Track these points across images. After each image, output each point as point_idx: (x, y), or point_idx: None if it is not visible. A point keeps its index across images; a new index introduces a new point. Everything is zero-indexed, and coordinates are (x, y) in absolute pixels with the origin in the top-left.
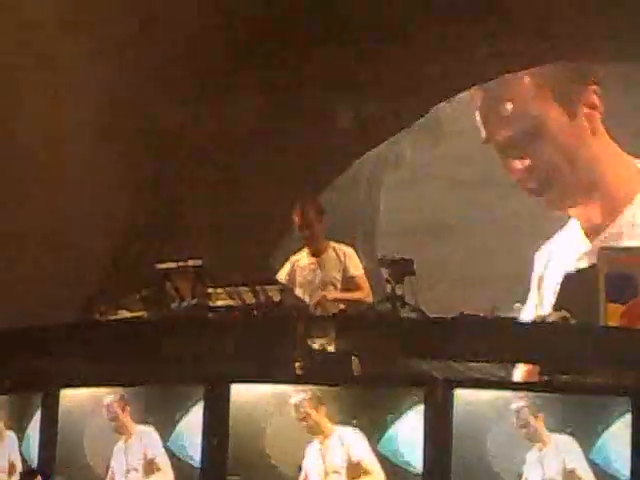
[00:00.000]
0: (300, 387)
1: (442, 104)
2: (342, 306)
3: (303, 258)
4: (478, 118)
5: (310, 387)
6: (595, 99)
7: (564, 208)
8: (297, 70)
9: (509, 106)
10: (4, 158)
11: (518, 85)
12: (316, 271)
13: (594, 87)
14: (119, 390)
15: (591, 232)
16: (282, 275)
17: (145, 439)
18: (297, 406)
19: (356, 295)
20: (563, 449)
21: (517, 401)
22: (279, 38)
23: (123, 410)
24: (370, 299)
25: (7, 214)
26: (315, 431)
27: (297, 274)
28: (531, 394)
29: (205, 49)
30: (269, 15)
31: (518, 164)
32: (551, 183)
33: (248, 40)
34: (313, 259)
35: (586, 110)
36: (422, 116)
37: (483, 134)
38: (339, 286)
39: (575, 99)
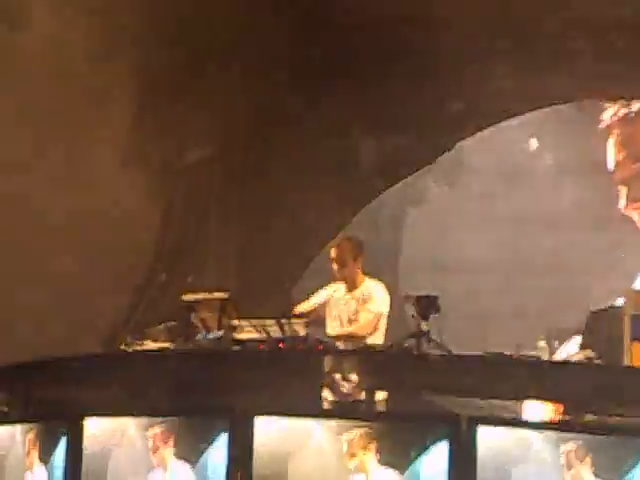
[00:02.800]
0: (343, 423)
1: (465, 141)
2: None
3: (339, 290)
4: (610, 149)
5: (360, 424)
6: None
7: None
8: (319, 104)
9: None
10: (23, 183)
11: None
12: (345, 301)
13: None
14: (156, 421)
15: None
16: (318, 301)
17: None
18: (349, 442)
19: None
20: None
21: (548, 440)
22: (300, 72)
23: (165, 443)
24: (364, 332)
25: (31, 245)
26: (359, 469)
27: (332, 306)
28: (554, 433)
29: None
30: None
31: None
32: None
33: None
34: (347, 293)
35: None
36: (445, 152)
37: (611, 166)
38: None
39: None
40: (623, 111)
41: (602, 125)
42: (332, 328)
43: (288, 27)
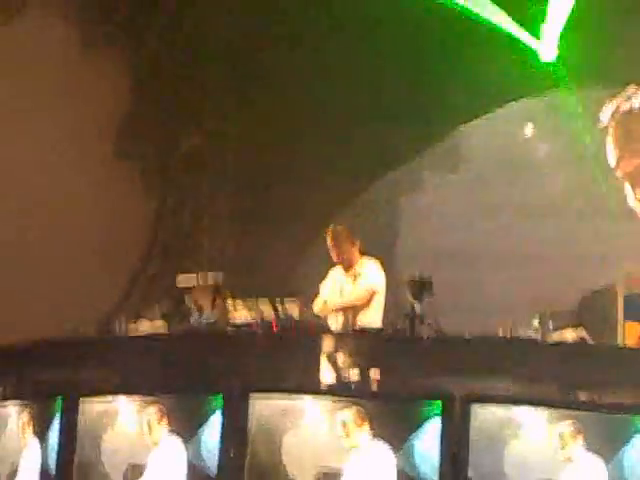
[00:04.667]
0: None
1: (461, 128)
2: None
3: (338, 270)
4: (610, 146)
5: (354, 401)
6: None
7: None
8: (317, 98)
9: None
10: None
11: None
12: (342, 282)
13: None
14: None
15: None
16: (324, 286)
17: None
18: (343, 420)
19: (362, 295)
20: (587, 466)
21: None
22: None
23: (160, 422)
24: (359, 302)
25: (33, 235)
26: (353, 446)
27: (329, 284)
28: (549, 410)
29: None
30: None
31: None
32: None
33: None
34: (342, 273)
35: None
36: (441, 140)
37: (612, 162)
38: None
39: None
40: (624, 107)
41: (601, 122)
42: (334, 307)
43: None
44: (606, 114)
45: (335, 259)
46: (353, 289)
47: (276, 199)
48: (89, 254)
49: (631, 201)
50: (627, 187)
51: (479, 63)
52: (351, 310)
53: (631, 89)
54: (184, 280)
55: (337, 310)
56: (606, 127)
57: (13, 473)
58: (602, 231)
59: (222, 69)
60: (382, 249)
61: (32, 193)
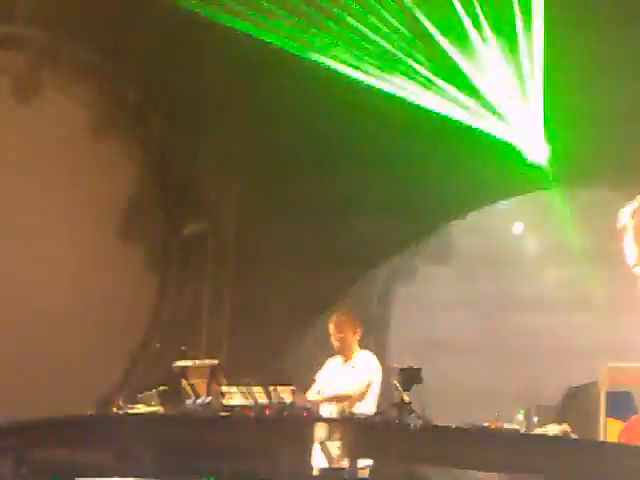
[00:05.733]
0: None
1: (453, 224)
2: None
3: (335, 362)
4: (631, 245)
5: None
6: None
7: None
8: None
9: None
10: (39, 263)
11: None
12: (340, 371)
13: None
14: None
15: None
16: (319, 376)
17: None
18: None
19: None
20: None
21: None
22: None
23: None
24: (355, 394)
25: (35, 314)
26: None
27: (325, 377)
28: None
29: None
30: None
31: None
32: None
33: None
34: (342, 364)
35: None
36: (435, 232)
37: (632, 260)
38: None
39: None
40: None
41: (620, 223)
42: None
43: None
44: (626, 213)
45: (336, 346)
46: (351, 379)
47: (273, 287)
48: (90, 334)
49: None
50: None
51: (472, 164)
52: (347, 400)
53: None
54: (181, 364)
55: (333, 399)
56: (625, 226)
57: None
58: (589, 325)
59: (223, 161)
60: (375, 337)
61: (37, 270)
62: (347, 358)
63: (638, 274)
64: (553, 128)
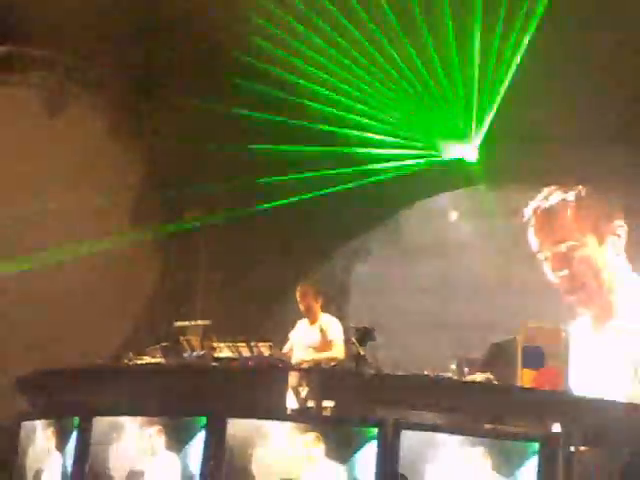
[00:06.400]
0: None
1: (404, 210)
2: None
3: (304, 323)
4: (532, 235)
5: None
6: (620, 230)
7: (587, 306)
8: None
9: (558, 231)
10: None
11: (565, 218)
12: (308, 332)
13: (619, 222)
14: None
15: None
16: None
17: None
18: (303, 441)
19: (329, 354)
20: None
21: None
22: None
23: (158, 437)
24: (342, 357)
25: (65, 287)
26: (310, 462)
27: (296, 335)
28: (462, 438)
29: None
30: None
31: (559, 273)
32: (582, 288)
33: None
34: (309, 325)
35: (613, 238)
36: (387, 218)
37: (535, 247)
38: (318, 347)
39: (604, 231)
40: (543, 205)
41: (525, 217)
42: (303, 354)
43: None
44: (528, 210)
45: (302, 310)
46: (320, 340)
47: (256, 264)
48: (107, 302)
49: (551, 277)
50: (546, 267)
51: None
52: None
53: (549, 190)
54: (180, 324)
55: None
56: (529, 220)
57: (38, 477)
58: (512, 301)
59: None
60: (337, 304)
61: (65, 251)
62: (313, 320)
63: (541, 258)
64: (483, 141)
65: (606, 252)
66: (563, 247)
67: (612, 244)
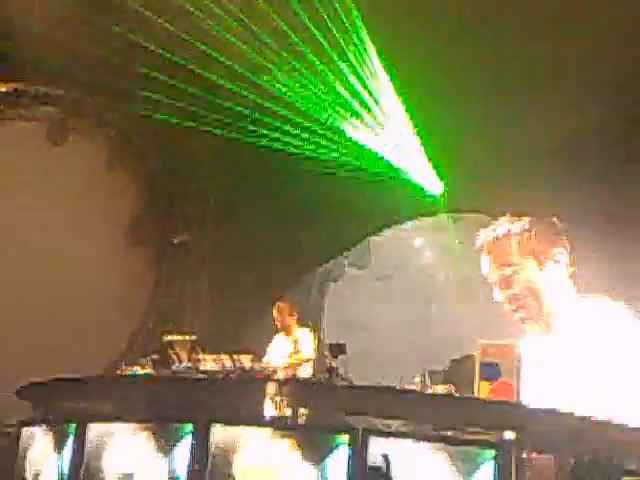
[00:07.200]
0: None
1: (371, 238)
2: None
3: (280, 335)
4: (483, 261)
5: (287, 433)
6: (559, 257)
7: (529, 323)
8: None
9: (504, 257)
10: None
11: (510, 246)
12: (284, 344)
13: (560, 250)
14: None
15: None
16: (272, 346)
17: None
18: (280, 446)
19: (297, 357)
20: None
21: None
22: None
23: (148, 442)
24: (309, 357)
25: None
26: (285, 466)
27: (273, 346)
28: (427, 444)
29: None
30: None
31: (505, 292)
32: (524, 307)
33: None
34: (284, 337)
35: (551, 264)
36: (358, 243)
37: (485, 270)
38: (292, 353)
39: (544, 257)
40: (492, 234)
41: (478, 243)
42: (277, 361)
43: None
44: (480, 239)
45: (278, 326)
46: (293, 351)
47: (239, 285)
48: (104, 317)
49: (497, 297)
50: (495, 289)
51: (385, 195)
52: (292, 367)
53: (499, 221)
54: (169, 339)
55: (284, 367)
56: (481, 247)
57: (36, 479)
58: (470, 315)
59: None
60: (312, 320)
61: (65, 269)
62: (288, 334)
63: (490, 281)
64: (443, 170)
65: (546, 276)
66: (508, 270)
67: (551, 269)
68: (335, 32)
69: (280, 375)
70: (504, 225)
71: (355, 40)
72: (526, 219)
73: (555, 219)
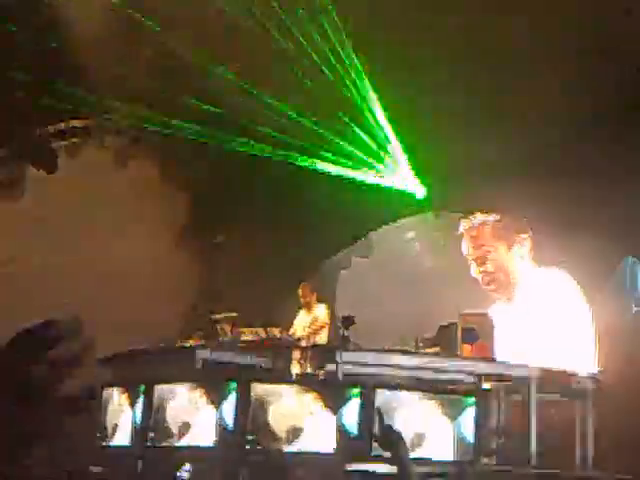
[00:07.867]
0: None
1: (373, 233)
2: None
3: (303, 311)
4: (463, 244)
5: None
6: (524, 241)
7: (499, 294)
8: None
9: (479, 240)
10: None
11: (485, 232)
12: (305, 318)
13: (524, 235)
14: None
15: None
16: (297, 320)
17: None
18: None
19: (316, 325)
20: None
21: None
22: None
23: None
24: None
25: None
26: (312, 414)
27: (298, 319)
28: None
29: None
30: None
31: (480, 269)
32: (494, 281)
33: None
34: (306, 312)
35: (517, 246)
36: (364, 236)
37: (465, 251)
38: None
39: (512, 241)
40: (470, 223)
41: (460, 230)
42: (301, 331)
43: None
44: (461, 227)
45: (302, 303)
46: (313, 323)
47: (269, 272)
48: (165, 299)
49: (474, 273)
50: (472, 266)
51: (381, 199)
52: (312, 335)
53: (476, 214)
54: (216, 316)
55: (306, 335)
56: (462, 233)
57: (114, 430)
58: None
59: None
60: (328, 299)
61: (134, 265)
62: (309, 309)
63: (469, 260)
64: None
65: (513, 256)
66: (482, 251)
67: (517, 250)
68: (318, 37)
69: (303, 343)
70: (480, 217)
71: (335, 44)
72: (497, 213)
73: (520, 213)
